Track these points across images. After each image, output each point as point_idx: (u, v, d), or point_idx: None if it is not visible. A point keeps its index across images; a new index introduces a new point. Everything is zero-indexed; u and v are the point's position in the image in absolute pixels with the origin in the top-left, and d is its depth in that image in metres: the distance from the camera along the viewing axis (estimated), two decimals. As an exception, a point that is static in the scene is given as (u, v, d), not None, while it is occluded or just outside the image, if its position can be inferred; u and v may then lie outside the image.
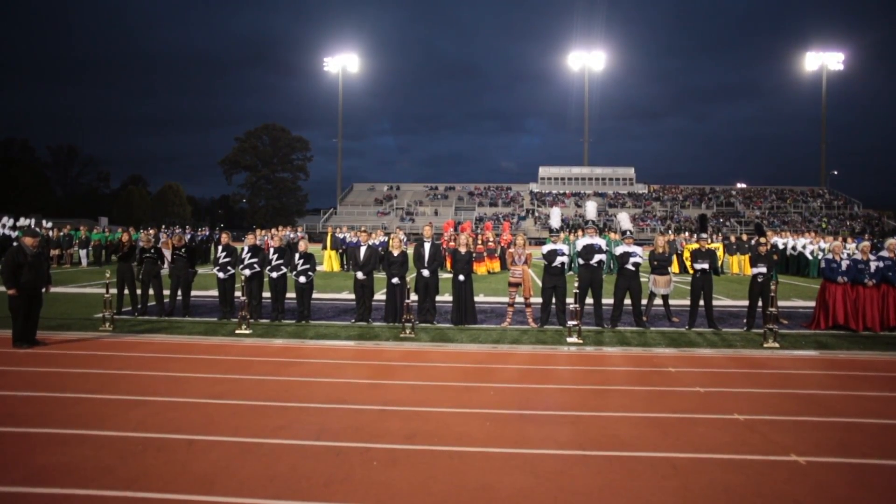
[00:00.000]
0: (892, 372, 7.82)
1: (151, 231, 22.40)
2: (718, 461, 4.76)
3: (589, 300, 10.88)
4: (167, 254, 11.97)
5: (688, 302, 11.14)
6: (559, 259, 10.62)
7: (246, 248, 11.14)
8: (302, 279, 10.98)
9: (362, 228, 14.86)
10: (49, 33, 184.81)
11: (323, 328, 10.46)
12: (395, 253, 10.91)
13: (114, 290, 11.12)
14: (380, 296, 11.84)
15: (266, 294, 11.36)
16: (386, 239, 18.93)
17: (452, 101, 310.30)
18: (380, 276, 11.05)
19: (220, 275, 11.19)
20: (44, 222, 27.39)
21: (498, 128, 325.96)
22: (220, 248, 11.54)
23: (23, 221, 26.33)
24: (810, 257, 21.92)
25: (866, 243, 10.96)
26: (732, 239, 24.02)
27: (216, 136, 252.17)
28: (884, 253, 10.71)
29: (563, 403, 6.30)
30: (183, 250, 11.70)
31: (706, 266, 10.69)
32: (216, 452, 4.84)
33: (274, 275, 11.00)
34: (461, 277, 10.75)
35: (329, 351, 8.84)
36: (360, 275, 10.90)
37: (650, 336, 10.02)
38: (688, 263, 18.75)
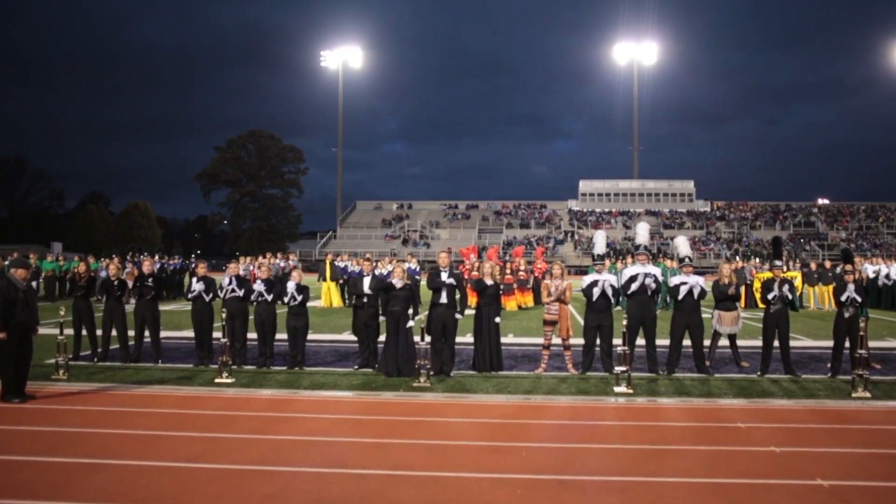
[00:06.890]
0: None
1: (116, 259, 22.68)
2: (801, 539, 4.70)
3: (640, 341, 10.82)
4: (130, 284, 11.92)
5: (759, 343, 11.06)
6: (598, 290, 10.57)
7: (228, 280, 11.20)
8: (294, 317, 11.00)
9: (366, 255, 14.77)
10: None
11: (320, 376, 10.50)
12: (398, 285, 10.77)
13: (70, 331, 11.18)
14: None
15: (252, 335, 11.42)
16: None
17: (477, 103, 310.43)
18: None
19: (196, 294, 11.18)
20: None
21: (531, 135, 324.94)
22: (195, 279, 11.56)
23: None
24: (909, 288, 21.66)
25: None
26: (813, 266, 23.84)
27: (192, 145, 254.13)
28: None
29: (610, 467, 6.26)
30: (150, 280, 11.73)
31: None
32: (192, 526, 4.86)
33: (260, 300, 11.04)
34: (498, 320, 10.79)
35: (327, 404, 8.87)
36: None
37: (714, 384, 9.95)
38: (758, 296, 18.65)
